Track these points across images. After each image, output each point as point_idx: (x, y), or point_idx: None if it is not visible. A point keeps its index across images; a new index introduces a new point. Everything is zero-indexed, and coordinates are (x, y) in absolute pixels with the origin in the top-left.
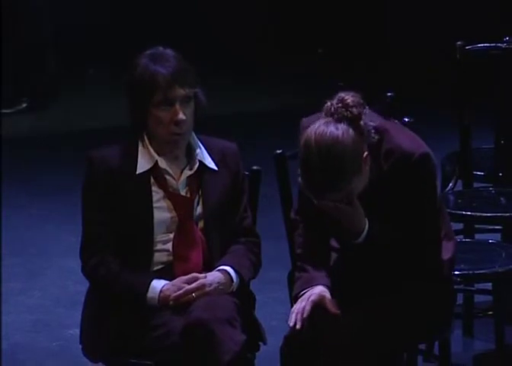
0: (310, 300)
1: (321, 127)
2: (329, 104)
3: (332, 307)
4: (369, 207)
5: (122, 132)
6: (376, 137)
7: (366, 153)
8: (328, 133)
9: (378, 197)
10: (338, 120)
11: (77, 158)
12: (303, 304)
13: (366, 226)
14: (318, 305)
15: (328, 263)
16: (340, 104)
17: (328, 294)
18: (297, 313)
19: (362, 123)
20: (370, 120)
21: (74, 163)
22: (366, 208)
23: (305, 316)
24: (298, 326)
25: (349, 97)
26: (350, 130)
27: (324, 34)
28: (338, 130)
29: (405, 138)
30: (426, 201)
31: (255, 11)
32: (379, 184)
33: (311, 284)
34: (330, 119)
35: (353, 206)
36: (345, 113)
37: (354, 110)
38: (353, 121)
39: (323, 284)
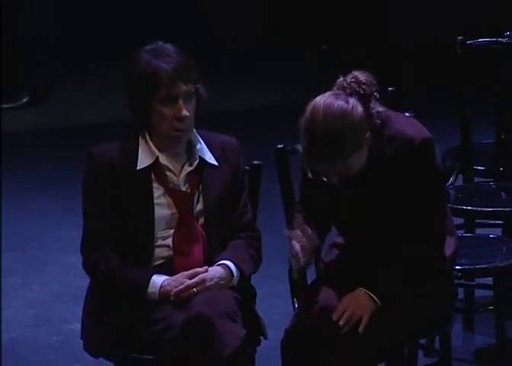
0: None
1: (331, 98)
2: (342, 79)
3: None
4: (372, 192)
5: (122, 126)
6: (379, 122)
7: (368, 133)
8: (336, 105)
9: (381, 182)
10: (349, 95)
11: (77, 152)
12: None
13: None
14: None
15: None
16: (353, 80)
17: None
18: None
19: (371, 103)
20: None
21: (74, 158)
22: (368, 193)
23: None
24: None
25: (363, 76)
26: (359, 107)
27: (325, 31)
28: (348, 104)
29: (408, 124)
30: (429, 185)
31: (255, 10)
32: (381, 169)
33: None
34: (341, 92)
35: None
36: (357, 89)
37: (366, 88)
38: (363, 98)
39: (304, 225)
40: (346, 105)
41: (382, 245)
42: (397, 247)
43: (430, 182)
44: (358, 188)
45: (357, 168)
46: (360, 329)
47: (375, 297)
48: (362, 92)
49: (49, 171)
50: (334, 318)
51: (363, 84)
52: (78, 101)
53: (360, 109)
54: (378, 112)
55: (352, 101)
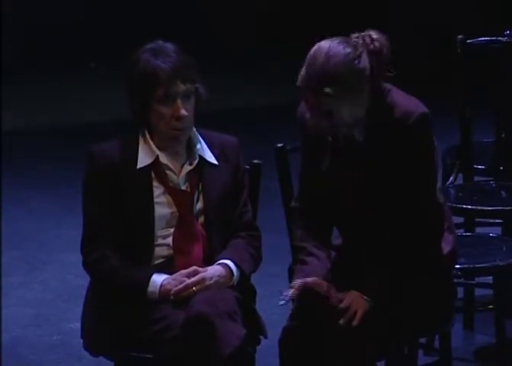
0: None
1: (340, 43)
2: (357, 34)
3: (325, 289)
4: (372, 174)
5: (122, 125)
6: (385, 88)
7: (368, 86)
8: (342, 50)
9: (378, 156)
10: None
11: (77, 151)
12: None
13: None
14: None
15: (329, 252)
16: (367, 37)
17: (324, 282)
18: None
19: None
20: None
21: (74, 157)
22: (366, 169)
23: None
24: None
25: (378, 36)
26: (366, 59)
27: (325, 30)
28: (353, 52)
29: (408, 98)
30: (424, 161)
31: (255, 10)
32: (380, 144)
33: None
34: (351, 41)
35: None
36: (369, 45)
37: (379, 45)
38: (373, 55)
39: (322, 277)
40: (351, 52)
41: (379, 241)
42: (394, 243)
43: (426, 158)
44: (358, 171)
45: (356, 121)
46: (355, 322)
47: (366, 298)
48: (372, 48)
49: (49, 171)
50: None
51: (376, 41)
52: (78, 100)
53: (365, 61)
54: (382, 84)
55: (363, 56)
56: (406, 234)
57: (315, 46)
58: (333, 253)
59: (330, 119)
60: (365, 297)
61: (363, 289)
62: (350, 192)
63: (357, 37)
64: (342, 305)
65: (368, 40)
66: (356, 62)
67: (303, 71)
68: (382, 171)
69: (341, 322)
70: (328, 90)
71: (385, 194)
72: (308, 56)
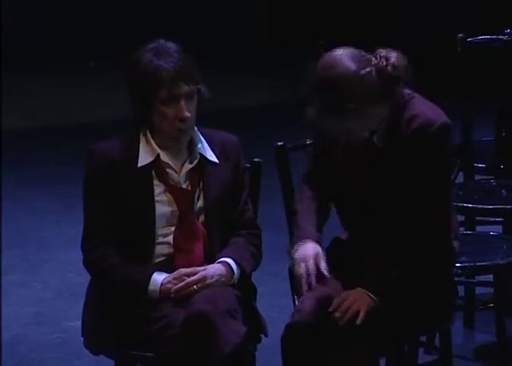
0: (310, 263)
1: (351, 57)
2: (371, 53)
3: (323, 267)
4: (384, 174)
5: (123, 124)
6: (402, 101)
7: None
8: (351, 64)
9: (393, 161)
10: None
11: (77, 150)
12: (304, 268)
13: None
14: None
15: (321, 219)
16: (383, 59)
17: (317, 250)
18: (306, 276)
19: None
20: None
21: (74, 155)
22: (380, 171)
23: (312, 275)
24: (313, 284)
25: (394, 57)
26: (375, 78)
27: (325, 29)
28: (361, 69)
29: (430, 107)
30: (439, 169)
31: (255, 8)
32: (396, 148)
33: (302, 239)
34: (364, 56)
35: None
36: (383, 68)
37: (392, 69)
38: (384, 74)
39: (314, 240)
40: (359, 67)
41: (384, 239)
42: (398, 241)
43: (441, 168)
44: (370, 172)
45: (362, 131)
46: (358, 321)
47: (371, 295)
48: (384, 69)
49: (49, 169)
50: (330, 309)
51: (390, 66)
52: (78, 98)
53: (372, 77)
54: (403, 92)
55: (370, 68)
56: (410, 238)
57: (326, 56)
58: (339, 248)
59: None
60: (370, 294)
61: (368, 286)
62: (358, 191)
63: (371, 54)
64: (343, 306)
65: (383, 61)
66: (361, 76)
67: (312, 78)
68: (395, 175)
69: (341, 321)
70: (329, 100)
71: (394, 197)
72: (318, 64)
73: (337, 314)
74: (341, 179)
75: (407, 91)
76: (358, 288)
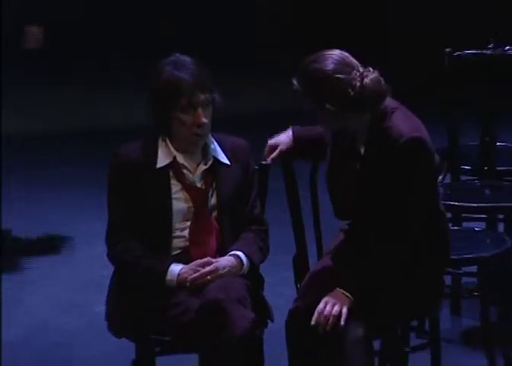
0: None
1: (335, 62)
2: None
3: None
4: (363, 173)
5: (143, 129)
6: (386, 112)
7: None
8: (331, 67)
9: (371, 167)
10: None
11: (101, 152)
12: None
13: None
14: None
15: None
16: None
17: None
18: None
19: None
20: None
21: (100, 157)
22: (360, 174)
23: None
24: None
25: (370, 80)
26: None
27: (329, 34)
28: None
29: (406, 121)
30: (409, 180)
31: (267, 15)
32: (375, 157)
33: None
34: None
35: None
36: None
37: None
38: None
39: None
40: (335, 71)
41: (368, 239)
42: (377, 245)
43: (409, 178)
44: (353, 173)
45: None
46: (342, 323)
47: (348, 294)
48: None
49: (74, 170)
50: (313, 322)
51: (370, 81)
52: (101, 104)
53: (345, 80)
54: (387, 105)
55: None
56: (385, 243)
57: (317, 52)
58: (340, 237)
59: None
60: (347, 294)
61: (344, 285)
62: (346, 190)
63: (357, 68)
64: (327, 309)
65: (359, 82)
66: (335, 78)
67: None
68: (372, 179)
69: (328, 328)
70: (309, 95)
71: (373, 201)
72: (306, 58)
73: (321, 324)
74: (330, 181)
75: (392, 103)
76: (336, 289)
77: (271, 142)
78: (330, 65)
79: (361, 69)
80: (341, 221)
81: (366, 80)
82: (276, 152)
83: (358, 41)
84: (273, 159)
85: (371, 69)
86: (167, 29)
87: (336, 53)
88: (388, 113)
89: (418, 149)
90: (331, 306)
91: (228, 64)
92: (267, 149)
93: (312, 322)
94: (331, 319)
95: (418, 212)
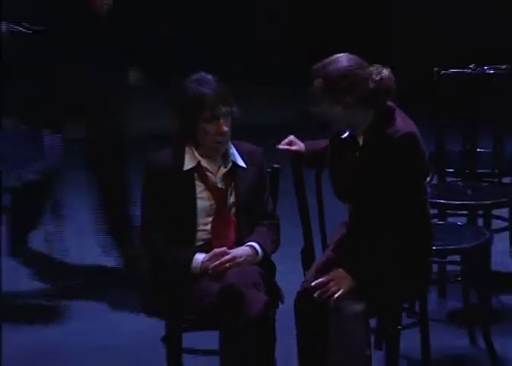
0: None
1: (353, 58)
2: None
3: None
4: (365, 169)
5: (170, 138)
6: (386, 110)
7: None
8: (347, 63)
9: (369, 158)
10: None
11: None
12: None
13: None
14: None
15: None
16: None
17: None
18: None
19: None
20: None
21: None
22: (359, 165)
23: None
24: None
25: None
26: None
27: (329, 35)
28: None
29: (401, 120)
30: (402, 171)
31: (279, 26)
32: (374, 149)
33: None
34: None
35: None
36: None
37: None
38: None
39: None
40: (353, 67)
41: (369, 226)
42: (376, 231)
43: (402, 170)
44: (353, 165)
45: (337, 125)
46: (332, 301)
47: (351, 276)
48: (378, 82)
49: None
50: (313, 284)
51: (385, 80)
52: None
53: (362, 77)
54: (388, 104)
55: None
56: (383, 227)
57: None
58: (342, 230)
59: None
60: (350, 276)
61: (349, 269)
62: (346, 180)
63: (373, 68)
64: (329, 284)
65: (376, 73)
66: (355, 73)
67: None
68: (369, 167)
69: (316, 295)
70: (329, 94)
71: (369, 189)
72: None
73: (316, 293)
74: (332, 171)
75: (391, 103)
76: (340, 269)
77: (292, 137)
78: (350, 62)
79: (375, 65)
80: (342, 202)
81: (384, 74)
82: (287, 146)
83: (358, 41)
84: (281, 149)
85: (378, 65)
86: (167, 29)
87: (347, 54)
88: (389, 111)
89: (412, 143)
90: (333, 283)
91: (230, 68)
92: (286, 140)
93: (312, 284)
94: (329, 292)
95: (411, 200)
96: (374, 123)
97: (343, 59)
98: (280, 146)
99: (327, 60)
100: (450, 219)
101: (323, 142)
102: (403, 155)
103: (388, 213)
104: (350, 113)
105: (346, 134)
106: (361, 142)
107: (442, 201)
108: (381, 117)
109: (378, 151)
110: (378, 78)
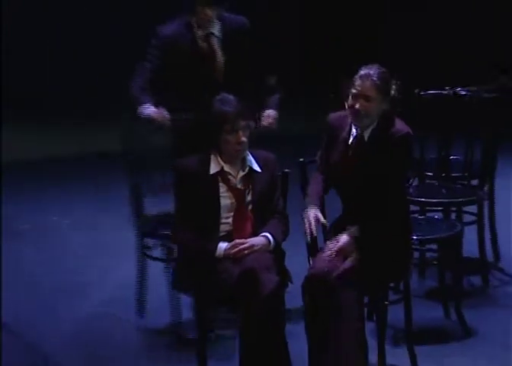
0: (311, 217)
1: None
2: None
3: (320, 217)
4: (365, 160)
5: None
6: (388, 112)
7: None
8: (383, 74)
9: (373, 153)
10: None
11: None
12: (308, 222)
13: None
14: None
15: (322, 197)
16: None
17: (316, 213)
18: (308, 226)
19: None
20: None
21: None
22: (363, 161)
23: (313, 227)
24: (314, 234)
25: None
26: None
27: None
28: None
29: (401, 122)
30: (398, 165)
31: (292, 36)
32: (377, 144)
33: (309, 204)
34: None
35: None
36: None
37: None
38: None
39: (316, 205)
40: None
41: (365, 212)
42: (371, 213)
43: (399, 163)
44: (357, 160)
45: (369, 118)
46: (334, 280)
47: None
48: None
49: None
50: (325, 254)
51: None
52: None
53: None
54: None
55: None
56: (375, 214)
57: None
58: (338, 220)
59: (365, 104)
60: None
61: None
62: (349, 174)
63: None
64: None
65: (396, 87)
66: (388, 76)
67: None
68: (371, 165)
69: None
70: (378, 83)
71: (369, 180)
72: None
73: (328, 252)
74: (337, 165)
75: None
76: (346, 236)
77: (315, 216)
78: (382, 69)
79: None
80: (340, 193)
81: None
82: (315, 223)
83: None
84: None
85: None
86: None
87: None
88: (390, 114)
89: (410, 141)
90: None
91: None
92: (313, 221)
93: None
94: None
95: (402, 188)
96: (379, 122)
97: (380, 67)
98: (313, 228)
99: (367, 67)
100: (429, 215)
101: (319, 186)
102: (404, 149)
103: (381, 201)
104: (378, 107)
105: (354, 132)
106: (366, 138)
107: (422, 199)
108: (386, 118)
109: (383, 145)
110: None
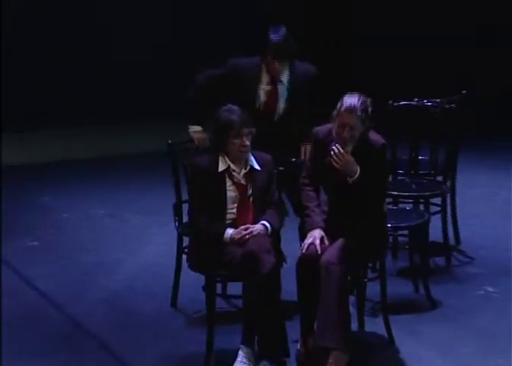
0: (314, 238)
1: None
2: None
3: (323, 242)
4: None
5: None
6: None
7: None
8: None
9: (359, 163)
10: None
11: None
12: (310, 241)
13: (358, 171)
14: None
15: (322, 209)
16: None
17: (322, 234)
18: (308, 245)
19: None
20: None
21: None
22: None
23: (316, 244)
24: (309, 251)
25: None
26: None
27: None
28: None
29: (376, 135)
30: (379, 172)
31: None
32: (359, 155)
33: (313, 226)
34: None
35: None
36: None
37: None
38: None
39: (320, 227)
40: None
41: (350, 210)
42: (355, 213)
43: (380, 169)
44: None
45: (353, 141)
46: (323, 261)
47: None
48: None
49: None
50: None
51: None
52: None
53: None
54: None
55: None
56: (361, 212)
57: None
58: (323, 215)
59: (350, 132)
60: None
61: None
62: (336, 180)
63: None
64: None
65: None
66: (368, 112)
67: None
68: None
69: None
70: (360, 115)
71: (355, 185)
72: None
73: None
74: (327, 171)
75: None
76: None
77: (319, 237)
78: (365, 98)
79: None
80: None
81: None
82: (319, 244)
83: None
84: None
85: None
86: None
87: (357, 93)
88: (369, 129)
89: (386, 149)
90: (308, 239)
91: None
92: (317, 243)
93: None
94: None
95: (383, 189)
96: (361, 137)
97: (360, 96)
98: (318, 247)
99: (351, 97)
100: (401, 206)
101: (317, 211)
102: (383, 157)
103: (370, 197)
104: (359, 130)
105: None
106: (350, 150)
107: (395, 193)
108: (364, 133)
109: (364, 156)
110: (372, 108)
